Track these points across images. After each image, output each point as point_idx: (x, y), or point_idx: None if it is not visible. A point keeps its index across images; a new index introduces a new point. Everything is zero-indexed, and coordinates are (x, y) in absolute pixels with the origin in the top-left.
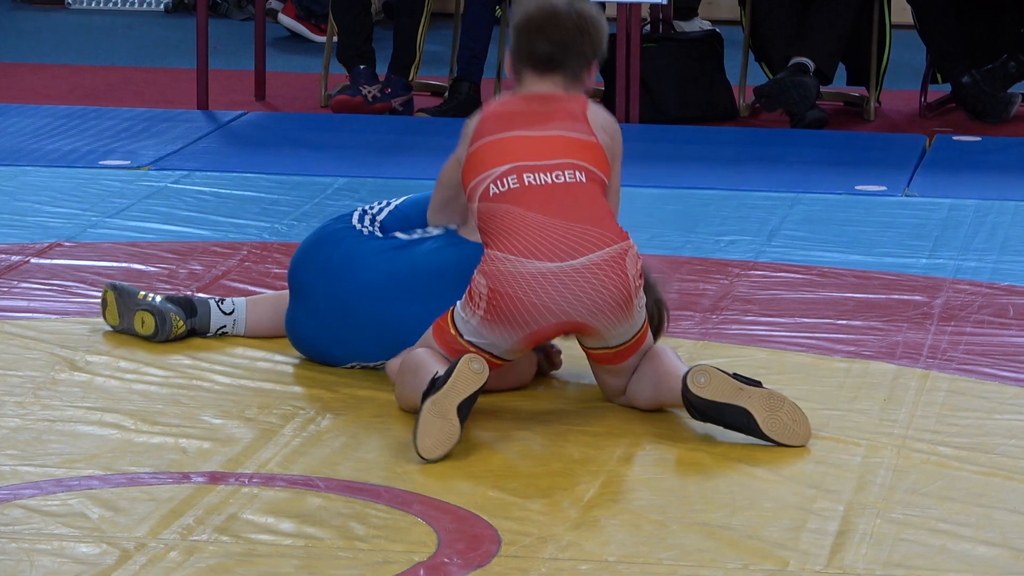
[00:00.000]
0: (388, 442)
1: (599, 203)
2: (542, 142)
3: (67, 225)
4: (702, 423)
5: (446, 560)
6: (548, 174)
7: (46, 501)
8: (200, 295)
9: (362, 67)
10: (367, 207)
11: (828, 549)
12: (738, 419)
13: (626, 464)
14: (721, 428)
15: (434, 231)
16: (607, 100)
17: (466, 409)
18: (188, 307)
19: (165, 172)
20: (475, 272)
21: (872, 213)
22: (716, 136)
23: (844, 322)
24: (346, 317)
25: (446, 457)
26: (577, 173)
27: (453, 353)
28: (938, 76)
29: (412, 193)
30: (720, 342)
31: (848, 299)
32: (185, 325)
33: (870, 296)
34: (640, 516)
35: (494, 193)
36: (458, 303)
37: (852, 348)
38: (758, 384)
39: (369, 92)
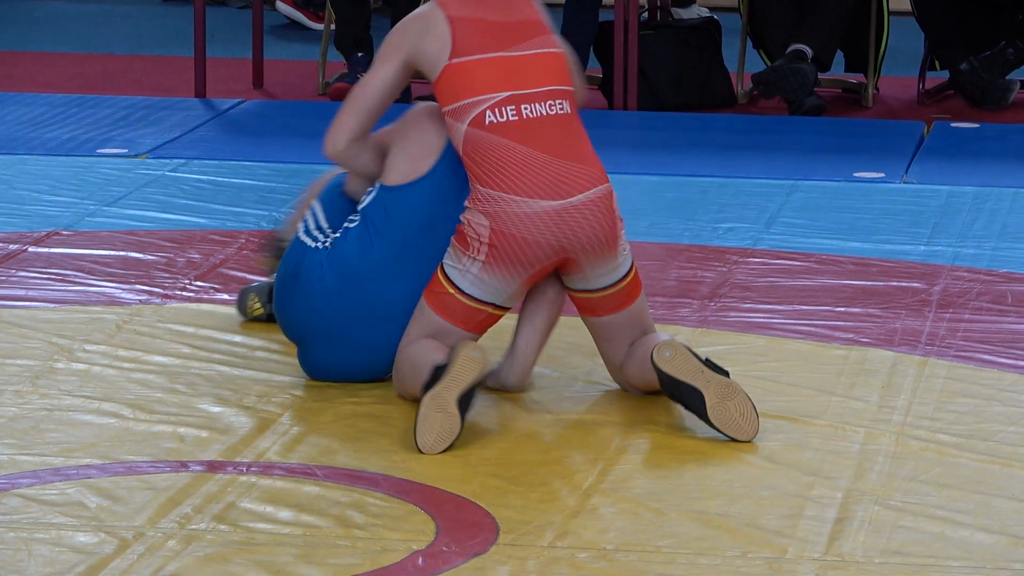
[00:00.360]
0: (387, 430)
1: (585, 137)
2: (528, 66)
3: (65, 214)
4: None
5: (444, 548)
6: (542, 104)
7: (44, 490)
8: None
9: (360, 55)
10: (307, 218)
11: (826, 536)
12: (691, 400)
13: (624, 452)
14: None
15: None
16: (605, 88)
17: (468, 400)
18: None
19: (163, 160)
20: (466, 215)
21: (870, 200)
22: (714, 123)
23: (842, 309)
24: (349, 340)
25: (447, 450)
26: (564, 103)
27: (454, 316)
28: (936, 63)
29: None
30: (718, 329)
31: (846, 286)
32: (263, 310)
33: (868, 283)
34: (638, 504)
35: (491, 122)
36: (445, 260)
37: (850, 335)
38: (724, 373)
39: None
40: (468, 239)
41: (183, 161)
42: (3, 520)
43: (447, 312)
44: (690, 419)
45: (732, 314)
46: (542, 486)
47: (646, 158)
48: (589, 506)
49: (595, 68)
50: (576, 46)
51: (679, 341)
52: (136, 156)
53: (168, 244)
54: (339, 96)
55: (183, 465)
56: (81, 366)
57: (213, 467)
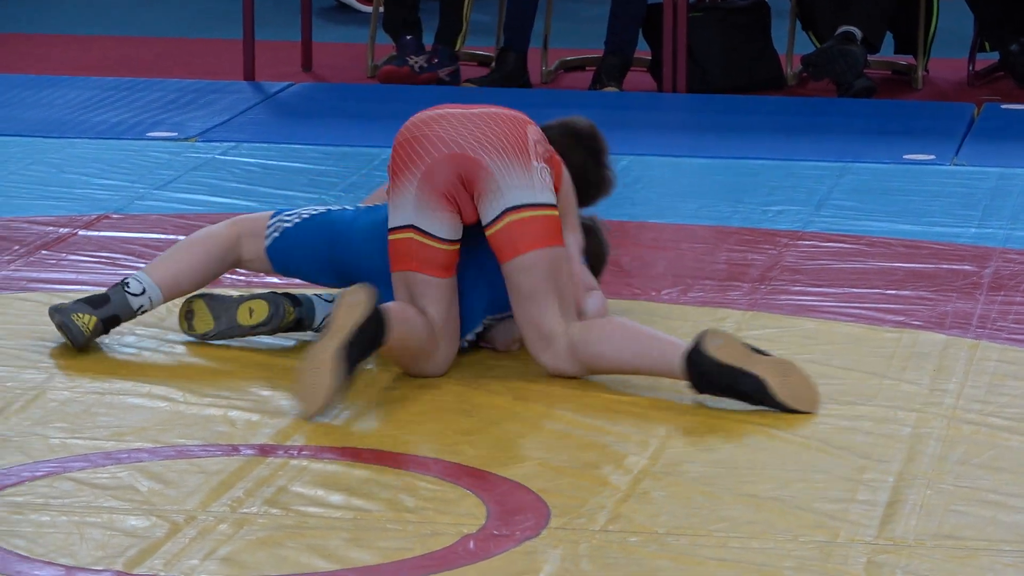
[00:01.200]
0: (437, 414)
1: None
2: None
3: (115, 197)
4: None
5: (495, 532)
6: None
7: (96, 474)
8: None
9: (409, 37)
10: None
11: (878, 520)
12: (750, 386)
13: (675, 436)
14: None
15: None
16: (654, 70)
17: (347, 357)
18: (293, 297)
19: (212, 144)
20: None
21: (920, 182)
22: (763, 106)
23: (893, 292)
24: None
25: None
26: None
27: (401, 260)
28: (986, 44)
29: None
30: (769, 312)
31: (897, 269)
32: (294, 313)
33: (919, 266)
34: (690, 488)
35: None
36: None
37: (901, 318)
38: (765, 353)
39: (416, 62)
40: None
41: (232, 144)
42: (55, 503)
43: (391, 259)
44: (742, 403)
45: (782, 297)
46: (593, 470)
47: (695, 141)
48: (640, 490)
49: (644, 50)
50: (624, 28)
51: (716, 329)
52: (186, 139)
53: None
54: (387, 79)
55: (234, 449)
56: (132, 350)
57: (264, 451)
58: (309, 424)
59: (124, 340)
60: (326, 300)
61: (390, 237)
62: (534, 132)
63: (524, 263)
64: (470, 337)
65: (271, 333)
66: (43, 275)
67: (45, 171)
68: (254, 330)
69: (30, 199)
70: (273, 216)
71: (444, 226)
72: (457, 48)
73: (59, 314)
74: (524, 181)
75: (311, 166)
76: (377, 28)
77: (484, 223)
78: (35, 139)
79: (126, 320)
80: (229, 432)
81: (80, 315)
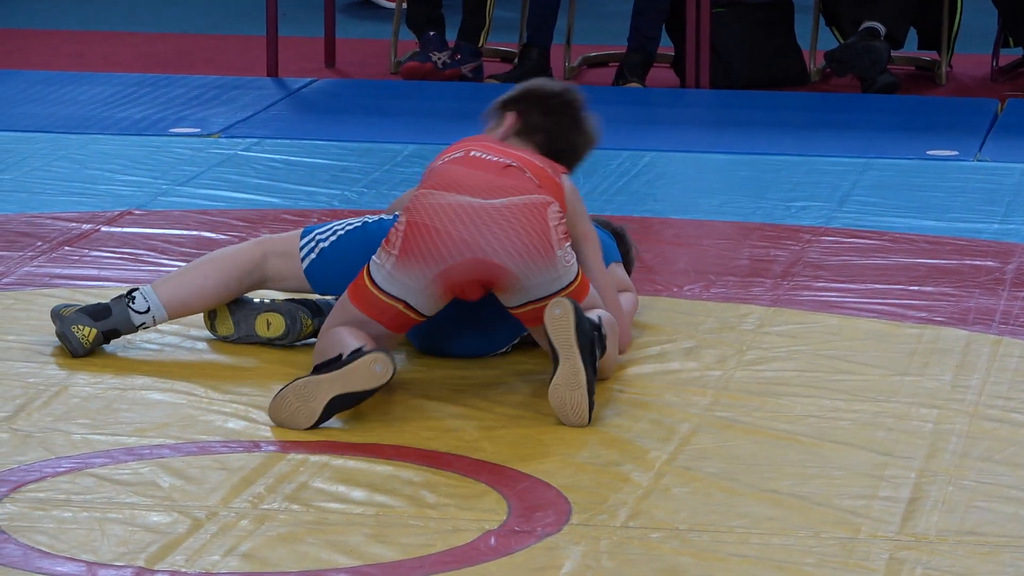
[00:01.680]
0: (458, 411)
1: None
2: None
3: (137, 193)
4: (773, 393)
5: (516, 528)
6: (494, 155)
7: (117, 470)
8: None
9: (432, 33)
10: (318, 232)
11: (900, 516)
12: (553, 365)
13: (695, 433)
14: (790, 399)
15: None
16: (676, 66)
17: (338, 405)
18: (312, 306)
19: (235, 140)
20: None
21: (944, 178)
22: (786, 101)
23: (916, 288)
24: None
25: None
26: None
27: (368, 308)
28: (1010, 40)
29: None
30: (791, 308)
31: (920, 265)
32: (312, 324)
33: (942, 262)
34: (711, 484)
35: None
36: (373, 257)
37: (924, 314)
38: (593, 354)
39: (439, 59)
40: (390, 238)
41: (255, 140)
42: (77, 499)
43: (362, 303)
44: (760, 400)
45: (805, 293)
46: (614, 466)
47: (718, 136)
48: (661, 486)
49: (667, 46)
50: (647, 24)
51: (573, 302)
52: (208, 135)
53: (240, 224)
54: (410, 75)
55: (255, 445)
56: (154, 346)
57: (285, 447)
58: (330, 420)
59: (147, 336)
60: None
61: (375, 291)
62: (554, 216)
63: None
64: (515, 342)
65: (288, 344)
66: (66, 271)
67: (68, 167)
68: (271, 341)
69: (53, 195)
70: (304, 235)
71: (436, 308)
72: (480, 44)
73: (59, 322)
74: (550, 276)
75: (334, 162)
76: (400, 24)
77: (507, 305)
78: (59, 135)
79: (127, 334)
80: (251, 428)
81: (80, 327)
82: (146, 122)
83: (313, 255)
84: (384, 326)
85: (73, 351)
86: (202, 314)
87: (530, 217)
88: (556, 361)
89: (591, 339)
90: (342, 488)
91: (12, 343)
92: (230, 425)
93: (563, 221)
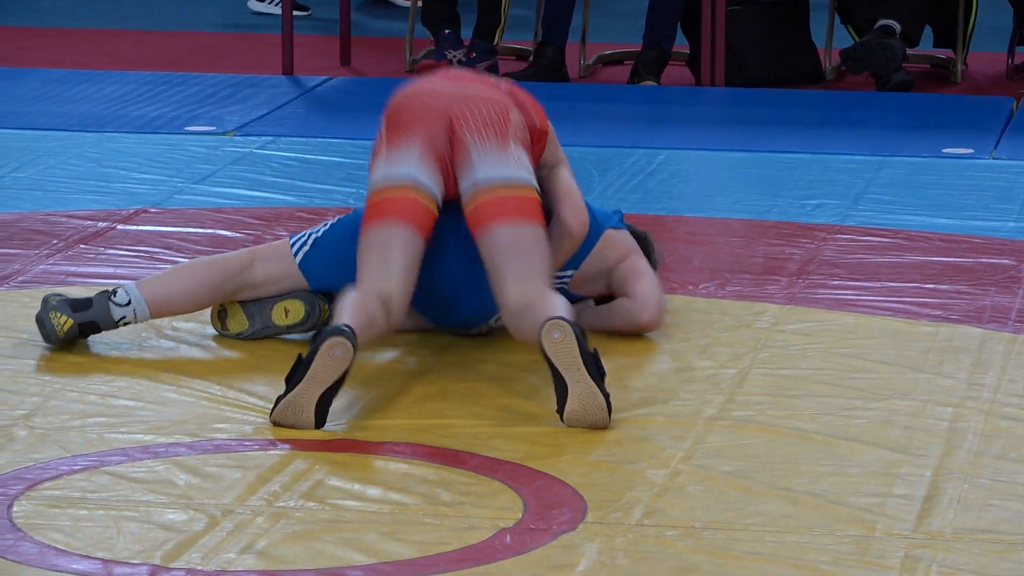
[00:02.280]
0: (474, 408)
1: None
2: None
3: (153, 191)
4: (788, 391)
5: (532, 526)
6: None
7: (133, 468)
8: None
9: (447, 31)
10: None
11: (915, 514)
12: (559, 388)
13: (710, 430)
14: (805, 397)
15: None
16: (691, 64)
17: (328, 400)
18: (327, 294)
19: (250, 138)
20: None
21: (959, 176)
22: (801, 99)
23: (931, 286)
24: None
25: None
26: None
27: (381, 211)
28: None
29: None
30: (806, 306)
31: (935, 263)
32: (329, 310)
33: (957, 260)
34: (725, 482)
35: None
36: (371, 172)
37: (939, 312)
38: (601, 373)
39: (454, 56)
40: (376, 142)
41: (271, 138)
42: (93, 497)
43: (376, 211)
44: (775, 398)
45: (820, 291)
46: (629, 464)
47: (733, 134)
48: (676, 484)
49: (682, 44)
50: (662, 22)
51: (569, 321)
52: (224, 133)
53: (256, 222)
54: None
55: (271, 443)
56: (170, 344)
57: (301, 445)
58: (344, 418)
59: (163, 334)
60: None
61: (384, 190)
62: (516, 120)
63: (495, 238)
64: (493, 323)
65: (307, 331)
66: (81, 269)
67: (84, 165)
68: (290, 329)
69: (68, 193)
70: (292, 237)
71: (439, 183)
72: (495, 42)
73: (42, 307)
74: (497, 160)
75: (349, 160)
76: (416, 22)
77: (461, 196)
78: (74, 133)
79: (106, 329)
80: (266, 426)
81: (58, 315)
82: (161, 120)
83: (307, 247)
84: (402, 219)
85: (46, 336)
86: (211, 315)
87: (493, 106)
88: (563, 387)
89: (595, 356)
90: (357, 486)
91: (28, 341)
92: (246, 423)
93: (524, 126)
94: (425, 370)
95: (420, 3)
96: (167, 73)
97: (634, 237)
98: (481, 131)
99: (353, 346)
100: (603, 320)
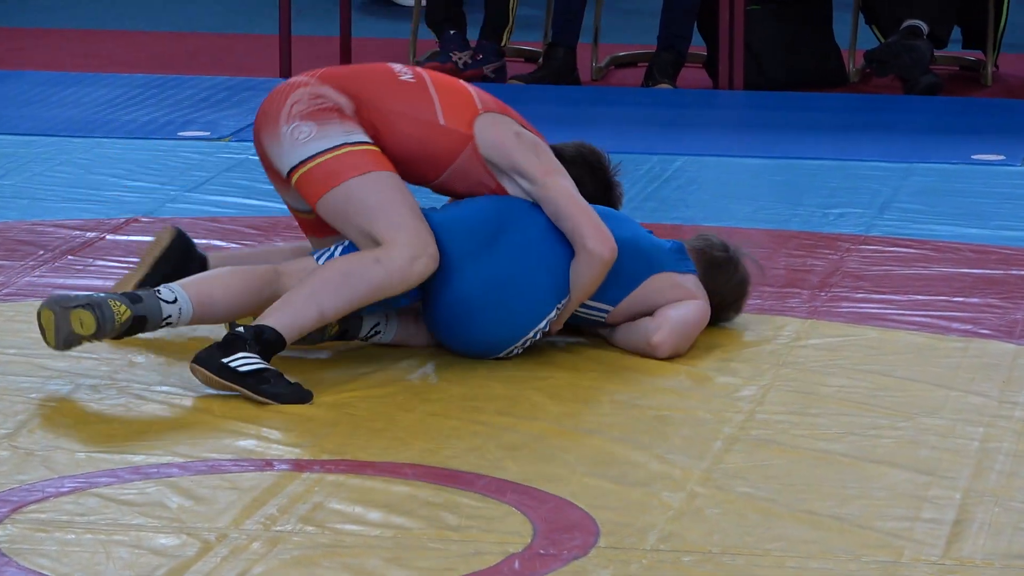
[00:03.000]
0: (479, 429)
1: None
2: None
3: (145, 199)
4: (811, 410)
5: (542, 552)
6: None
7: (123, 489)
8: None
9: (452, 32)
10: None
11: (944, 539)
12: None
13: (729, 451)
14: (828, 416)
15: None
16: (708, 66)
17: (158, 276)
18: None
19: (246, 143)
20: None
21: (990, 184)
22: (825, 103)
23: (961, 299)
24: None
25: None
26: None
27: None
28: None
29: None
30: (829, 320)
31: (964, 275)
32: (338, 326)
33: (988, 271)
34: (745, 504)
35: None
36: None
37: (969, 326)
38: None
39: (460, 59)
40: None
41: None
42: (81, 521)
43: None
44: (796, 417)
45: (844, 304)
46: (643, 486)
47: (752, 139)
48: (693, 507)
49: (699, 45)
50: (678, 23)
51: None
52: (219, 139)
53: (252, 231)
54: None
55: (268, 463)
56: (161, 360)
57: (299, 465)
58: (345, 438)
59: (154, 350)
60: (371, 309)
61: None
62: (300, 95)
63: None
64: (543, 327)
65: (314, 345)
66: (69, 281)
67: (72, 172)
68: (298, 343)
69: (56, 201)
70: (315, 253)
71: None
72: (503, 44)
73: (83, 298)
74: (278, 148)
75: None
76: (419, 23)
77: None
78: (62, 139)
79: (151, 329)
80: (262, 446)
81: (118, 304)
82: (154, 125)
83: (338, 252)
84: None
85: (100, 326)
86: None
87: (278, 91)
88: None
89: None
90: (359, 509)
91: (13, 356)
92: (241, 443)
93: (312, 98)
94: (429, 387)
95: (424, 2)
96: (159, 76)
97: (709, 264)
98: (261, 120)
99: (174, 231)
100: (617, 338)
